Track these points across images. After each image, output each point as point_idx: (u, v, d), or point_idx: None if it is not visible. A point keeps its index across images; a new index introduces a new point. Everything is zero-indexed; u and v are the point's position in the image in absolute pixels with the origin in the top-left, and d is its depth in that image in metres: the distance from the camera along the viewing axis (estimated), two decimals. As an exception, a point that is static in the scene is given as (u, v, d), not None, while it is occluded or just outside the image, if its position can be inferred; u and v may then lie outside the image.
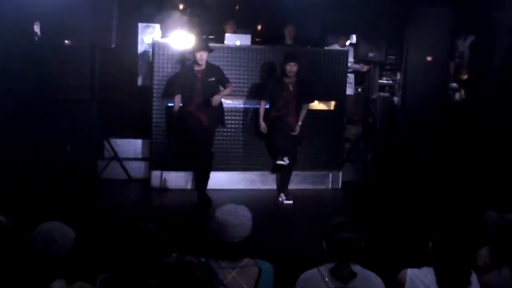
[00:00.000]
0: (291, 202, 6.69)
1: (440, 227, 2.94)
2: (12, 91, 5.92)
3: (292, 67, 6.52)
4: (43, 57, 6.37)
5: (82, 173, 6.59)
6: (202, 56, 6.35)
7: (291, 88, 6.65)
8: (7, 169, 5.73)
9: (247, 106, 7.10)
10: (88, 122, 6.73)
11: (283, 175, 6.91)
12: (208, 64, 6.48)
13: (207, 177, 6.53)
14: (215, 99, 6.40)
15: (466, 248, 2.84)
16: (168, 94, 6.75)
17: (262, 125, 6.77)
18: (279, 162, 6.62)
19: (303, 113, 6.77)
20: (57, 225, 2.70)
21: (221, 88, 6.59)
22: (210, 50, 6.47)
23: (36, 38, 6.54)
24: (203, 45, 6.45)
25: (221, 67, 6.67)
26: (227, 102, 6.99)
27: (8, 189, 5.46)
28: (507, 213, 3.20)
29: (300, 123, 6.73)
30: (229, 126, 7.02)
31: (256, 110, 6.95)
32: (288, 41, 8.60)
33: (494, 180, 6.64)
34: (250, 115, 7.12)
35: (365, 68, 8.62)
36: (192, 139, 6.52)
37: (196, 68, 6.45)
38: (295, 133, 6.69)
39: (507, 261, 3.01)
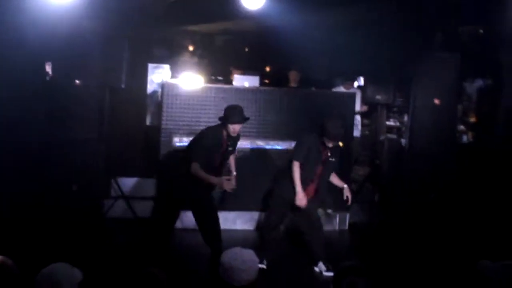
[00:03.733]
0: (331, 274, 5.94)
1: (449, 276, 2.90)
2: (23, 130, 5.98)
3: (332, 144, 5.68)
4: (54, 96, 6.45)
5: (88, 212, 6.58)
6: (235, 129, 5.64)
7: (328, 158, 5.78)
8: (14, 208, 5.73)
9: (255, 146, 7.12)
10: (96, 161, 6.76)
11: (313, 239, 5.92)
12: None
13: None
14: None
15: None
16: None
17: (301, 195, 5.63)
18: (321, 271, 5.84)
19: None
20: (62, 268, 2.67)
21: None
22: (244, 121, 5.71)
23: (48, 78, 6.64)
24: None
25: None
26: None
27: (14, 229, 5.45)
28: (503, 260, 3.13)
29: None
30: (238, 167, 7.04)
31: (264, 152, 6.95)
32: (293, 84, 8.59)
33: (501, 224, 6.59)
34: (257, 155, 7.14)
35: (363, 108, 8.68)
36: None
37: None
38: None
39: None
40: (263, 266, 5.64)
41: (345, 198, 5.87)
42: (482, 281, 3.02)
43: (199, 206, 5.69)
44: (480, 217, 6.91)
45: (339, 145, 5.85)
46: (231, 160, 6.02)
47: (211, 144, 5.56)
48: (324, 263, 5.75)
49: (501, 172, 7.14)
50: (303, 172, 5.66)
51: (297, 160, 5.64)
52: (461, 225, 6.85)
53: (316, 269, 5.78)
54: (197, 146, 5.62)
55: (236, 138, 5.83)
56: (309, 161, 5.67)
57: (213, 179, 5.45)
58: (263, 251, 5.70)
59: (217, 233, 5.65)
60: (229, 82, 7.93)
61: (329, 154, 5.72)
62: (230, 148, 5.79)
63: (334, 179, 5.93)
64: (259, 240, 6.20)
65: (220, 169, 5.71)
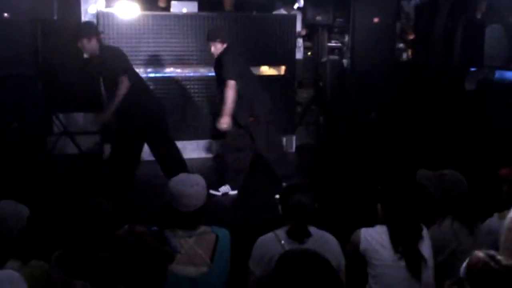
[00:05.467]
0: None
1: (386, 186, 3.03)
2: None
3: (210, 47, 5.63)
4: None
5: (31, 150, 6.45)
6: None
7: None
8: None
9: (197, 74, 7.05)
10: (34, 98, 6.56)
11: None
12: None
13: None
14: None
15: (413, 205, 2.94)
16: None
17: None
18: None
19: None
20: (8, 205, 2.65)
21: None
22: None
23: (-27, 14, 6.31)
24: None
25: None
26: (177, 71, 6.95)
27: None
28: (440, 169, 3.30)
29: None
30: (180, 95, 6.98)
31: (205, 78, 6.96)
32: (228, 7, 8.30)
33: (439, 137, 6.86)
34: (200, 83, 7.09)
35: (303, 31, 8.67)
36: None
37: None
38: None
39: (451, 213, 3.13)
40: (218, 193, 5.75)
41: None
42: (421, 189, 3.19)
43: (157, 135, 5.48)
44: (421, 130, 7.16)
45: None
46: None
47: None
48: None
49: (440, 86, 7.37)
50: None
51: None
52: (403, 140, 7.09)
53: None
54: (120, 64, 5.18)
55: None
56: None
57: None
58: (223, 179, 5.85)
59: (183, 161, 5.56)
60: (160, 8, 7.73)
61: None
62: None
63: None
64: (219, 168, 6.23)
65: None
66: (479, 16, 7.62)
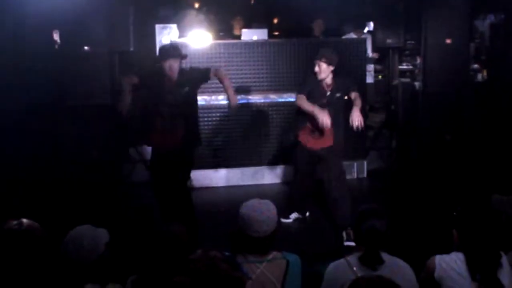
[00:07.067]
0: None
1: (462, 211, 2.93)
2: (35, 99, 6.05)
3: (316, 66, 5.40)
4: (64, 64, 6.50)
5: (109, 177, 6.69)
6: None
7: (327, 93, 5.42)
8: (35, 177, 5.85)
9: (267, 100, 7.12)
10: (112, 126, 6.82)
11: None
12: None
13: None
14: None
15: (491, 231, 2.82)
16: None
17: (319, 113, 5.10)
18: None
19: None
20: (87, 230, 2.73)
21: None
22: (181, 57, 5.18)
23: (56, 46, 6.67)
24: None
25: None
26: (248, 98, 7.04)
27: (37, 196, 5.57)
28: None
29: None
30: (251, 121, 7.06)
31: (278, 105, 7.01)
32: (317, 33, 8.47)
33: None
34: (271, 109, 7.15)
35: (374, 55, 8.61)
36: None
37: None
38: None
39: None
40: (289, 220, 5.78)
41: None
42: (495, 215, 3.07)
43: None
44: (498, 154, 6.89)
45: (345, 81, 5.50)
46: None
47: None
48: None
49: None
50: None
51: (299, 92, 5.33)
52: (479, 163, 6.85)
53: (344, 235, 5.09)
54: None
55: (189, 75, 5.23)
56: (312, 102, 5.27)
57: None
58: (291, 207, 5.84)
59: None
60: (233, 36, 7.88)
61: (331, 89, 5.37)
62: (185, 89, 5.15)
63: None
64: (288, 195, 6.22)
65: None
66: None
